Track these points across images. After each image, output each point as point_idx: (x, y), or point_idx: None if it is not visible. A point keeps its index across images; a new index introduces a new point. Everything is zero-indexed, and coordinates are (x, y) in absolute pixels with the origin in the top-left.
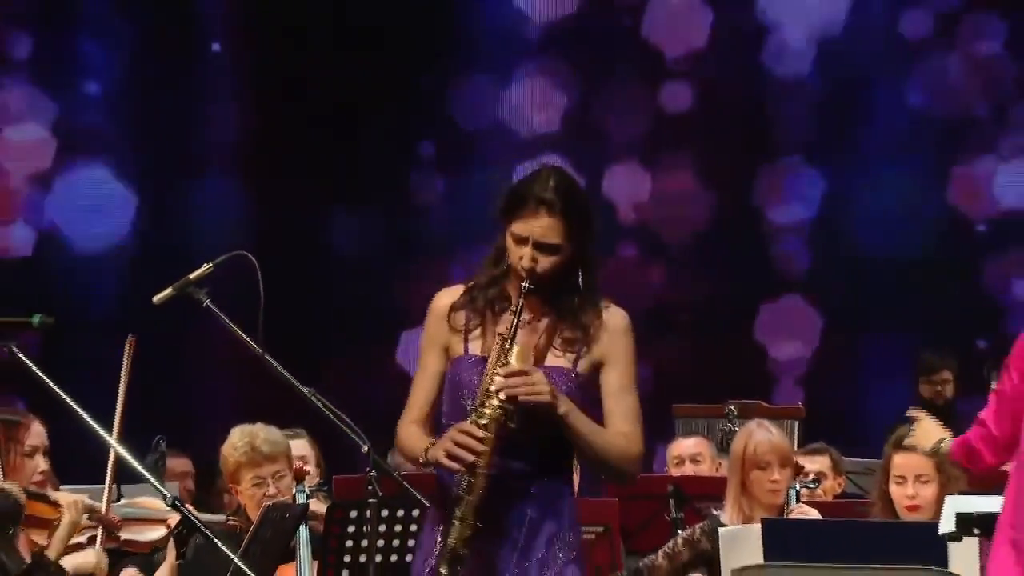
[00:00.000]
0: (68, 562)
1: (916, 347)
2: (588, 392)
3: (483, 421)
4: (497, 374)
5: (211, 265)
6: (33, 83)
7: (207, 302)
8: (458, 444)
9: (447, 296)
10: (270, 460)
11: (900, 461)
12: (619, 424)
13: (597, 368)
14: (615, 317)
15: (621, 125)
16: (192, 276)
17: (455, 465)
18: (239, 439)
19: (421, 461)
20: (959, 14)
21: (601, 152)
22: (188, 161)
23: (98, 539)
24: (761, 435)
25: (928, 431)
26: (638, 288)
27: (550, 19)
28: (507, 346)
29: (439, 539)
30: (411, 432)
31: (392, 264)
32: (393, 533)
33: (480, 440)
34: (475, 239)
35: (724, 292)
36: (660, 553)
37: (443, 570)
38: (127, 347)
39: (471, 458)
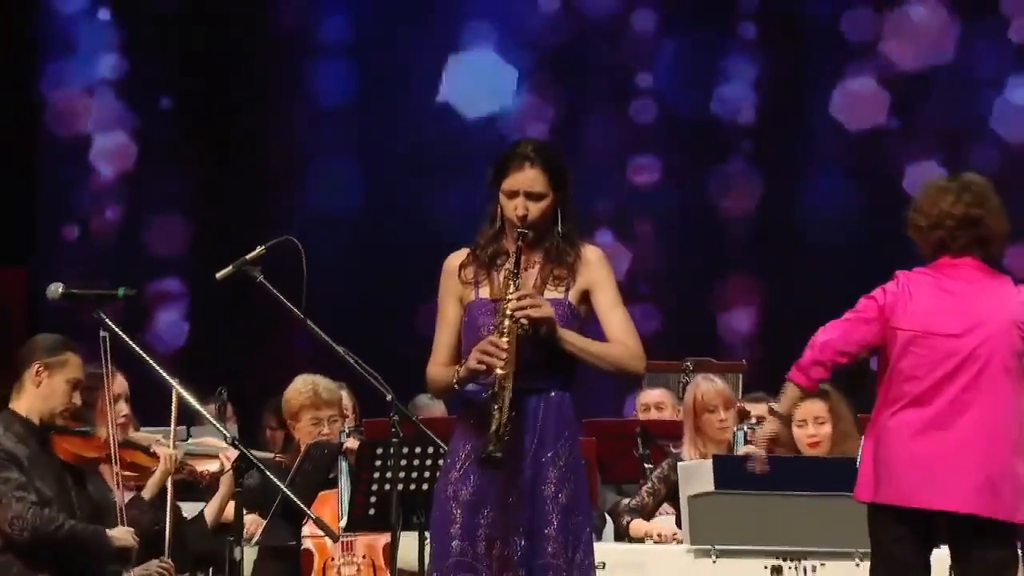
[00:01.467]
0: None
1: (836, 315)
2: (580, 317)
3: (504, 334)
4: (510, 299)
5: (263, 248)
6: (118, 98)
7: (260, 278)
8: (484, 352)
9: (456, 257)
10: (328, 405)
11: (804, 407)
12: (616, 335)
13: (586, 295)
14: (590, 251)
15: (599, 134)
16: (248, 257)
17: (482, 366)
18: (303, 385)
19: (454, 381)
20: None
21: (583, 155)
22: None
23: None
24: (706, 385)
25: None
26: (612, 266)
27: (542, 47)
28: (514, 280)
29: (467, 449)
30: (440, 370)
31: (412, 248)
32: (412, 467)
33: (503, 348)
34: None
35: (683, 270)
36: (644, 493)
37: (491, 447)
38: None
39: (497, 361)
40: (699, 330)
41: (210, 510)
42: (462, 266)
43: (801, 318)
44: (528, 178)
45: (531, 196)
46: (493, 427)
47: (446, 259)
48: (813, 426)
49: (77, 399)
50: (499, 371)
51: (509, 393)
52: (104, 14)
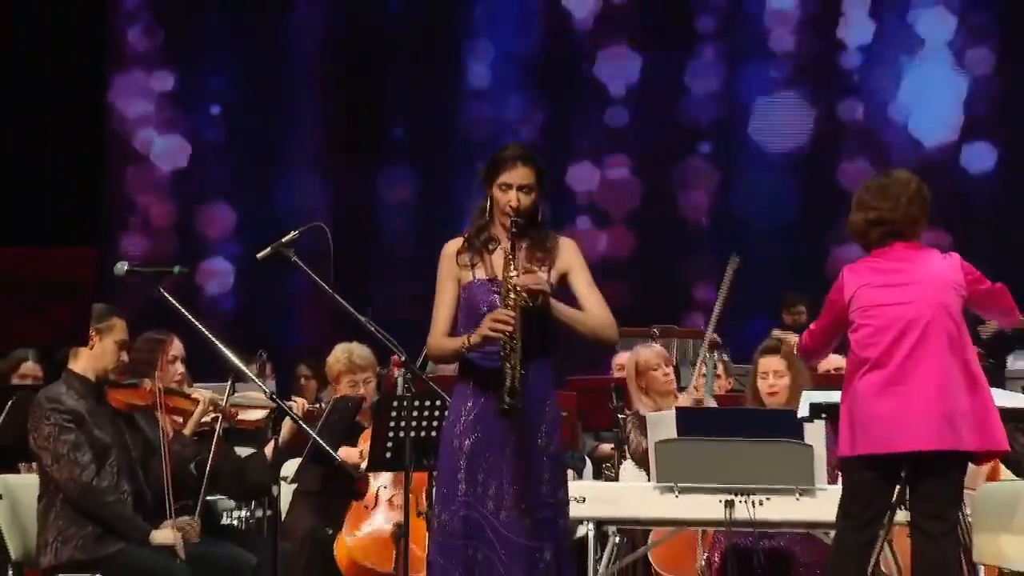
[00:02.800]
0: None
1: (783, 288)
2: (558, 295)
3: (510, 305)
4: (512, 276)
5: (297, 232)
6: (175, 107)
7: (294, 257)
8: (497, 320)
9: (453, 244)
10: (362, 369)
11: (763, 362)
12: (595, 309)
13: (563, 277)
14: (565, 240)
15: (579, 135)
16: (284, 240)
17: (496, 333)
18: (340, 353)
19: (464, 347)
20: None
21: (566, 154)
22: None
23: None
24: (644, 350)
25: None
26: (590, 248)
27: (533, 63)
28: (513, 259)
29: (467, 405)
30: (444, 340)
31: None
32: (423, 417)
33: (512, 317)
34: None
35: (650, 250)
36: (634, 438)
37: (508, 399)
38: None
39: (507, 327)
40: (663, 302)
41: (268, 449)
42: (459, 252)
43: (750, 291)
44: (521, 174)
45: (522, 189)
46: (508, 383)
47: (444, 246)
48: (773, 378)
49: (124, 357)
50: (509, 336)
51: (519, 354)
52: (161, 36)
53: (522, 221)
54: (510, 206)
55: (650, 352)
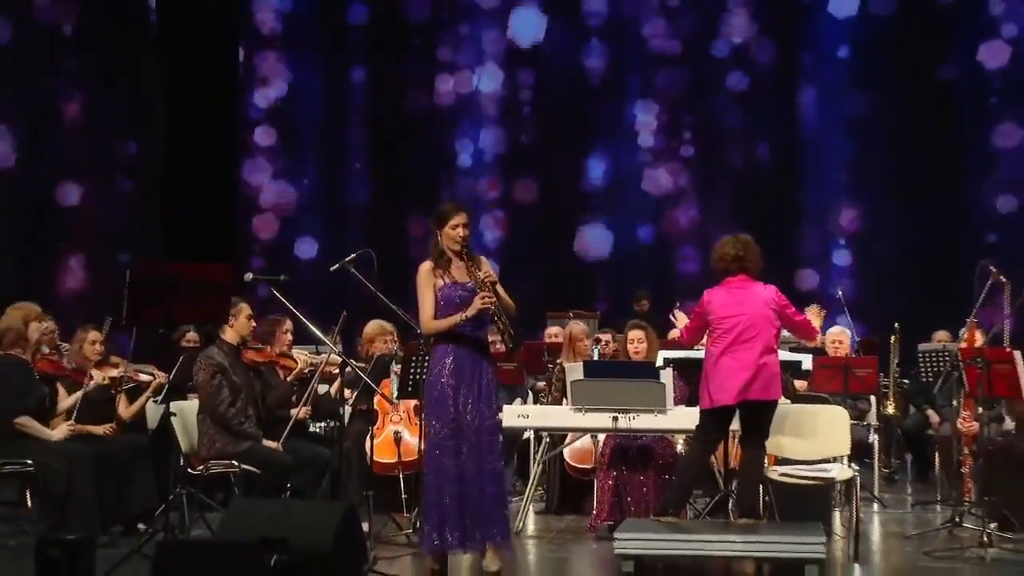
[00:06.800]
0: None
1: (641, 288)
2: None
3: (487, 292)
4: (482, 275)
5: (355, 255)
6: (282, 179)
7: (352, 269)
8: (485, 299)
9: (427, 265)
10: (389, 333)
11: (631, 334)
12: (505, 297)
13: None
14: (481, 257)
15: (522, 188)
16: (347, 259)
17: (487, 307)
18: (375, 324)
19: (461, 320)
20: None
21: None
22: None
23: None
24: (576, 326)
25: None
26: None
27: (494, 153)
28: (477, 267)
29: (448, 360)
30: (435, 321)
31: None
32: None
33: (492, 297)
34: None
35: (565, 253)
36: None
37: (509, 341)
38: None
39: (494, 301)
40: (579, 297)
41: (334, 389)
42: (432, 269)
43: (629, 290)
44: (463, 218)
45: (467, 227)
46: (505, 333)
47: (420, 267)
48: (637, 343)
49: (253, 323)
50: (494, 307)
51: (503, 315)
52: (274, 136)
53: (469, 246)
54: (461, 237)
55: (579, 328)
